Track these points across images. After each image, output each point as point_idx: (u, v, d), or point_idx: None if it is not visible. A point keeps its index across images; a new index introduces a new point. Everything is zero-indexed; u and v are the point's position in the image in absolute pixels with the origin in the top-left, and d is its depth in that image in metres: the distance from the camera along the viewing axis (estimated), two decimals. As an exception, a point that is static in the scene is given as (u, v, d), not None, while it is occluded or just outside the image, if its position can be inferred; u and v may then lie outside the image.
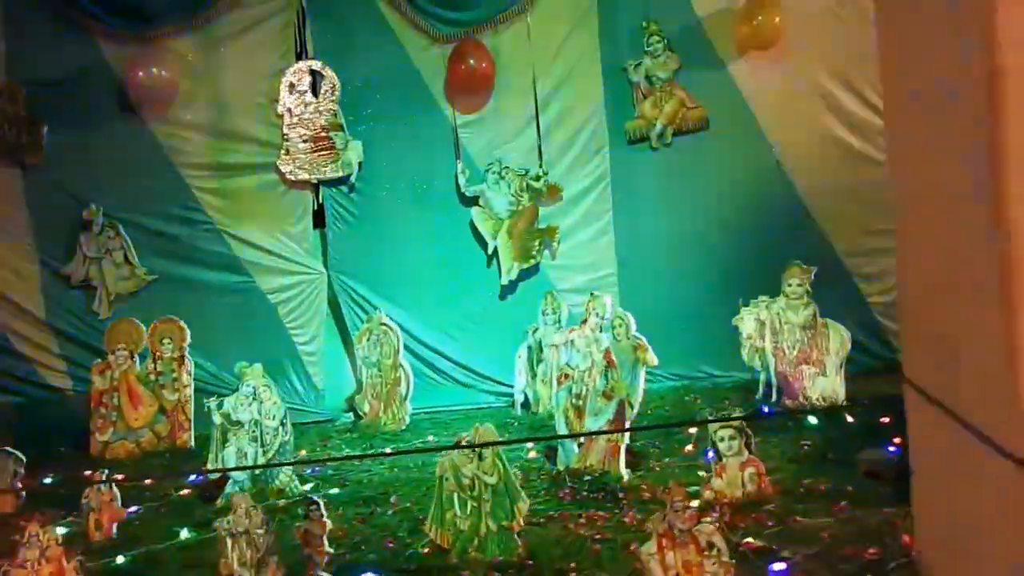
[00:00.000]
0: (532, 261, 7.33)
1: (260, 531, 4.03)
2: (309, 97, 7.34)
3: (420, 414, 7.11)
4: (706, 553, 3.50)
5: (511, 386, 7.06)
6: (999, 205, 1.28)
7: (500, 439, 4.31)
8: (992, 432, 1.37)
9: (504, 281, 7.36)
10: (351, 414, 7.33)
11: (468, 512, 4.09)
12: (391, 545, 4.44)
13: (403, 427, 6.85)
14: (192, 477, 5.97)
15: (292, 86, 7.31)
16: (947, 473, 1.57)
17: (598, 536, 4.26)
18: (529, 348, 6.95)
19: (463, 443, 4.11)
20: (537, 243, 7.31)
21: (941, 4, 1.44)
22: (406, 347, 7.30)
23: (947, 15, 1.44)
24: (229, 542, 4.03)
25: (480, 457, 4.05)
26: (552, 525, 4.44)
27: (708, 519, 4.04)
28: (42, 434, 7.05)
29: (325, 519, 3.99)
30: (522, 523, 4.08)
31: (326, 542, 3.99)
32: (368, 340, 7.11)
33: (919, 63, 1.56)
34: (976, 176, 1.36)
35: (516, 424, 6.67)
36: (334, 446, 6.68)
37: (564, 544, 4.19)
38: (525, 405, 6.90)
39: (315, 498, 4.21)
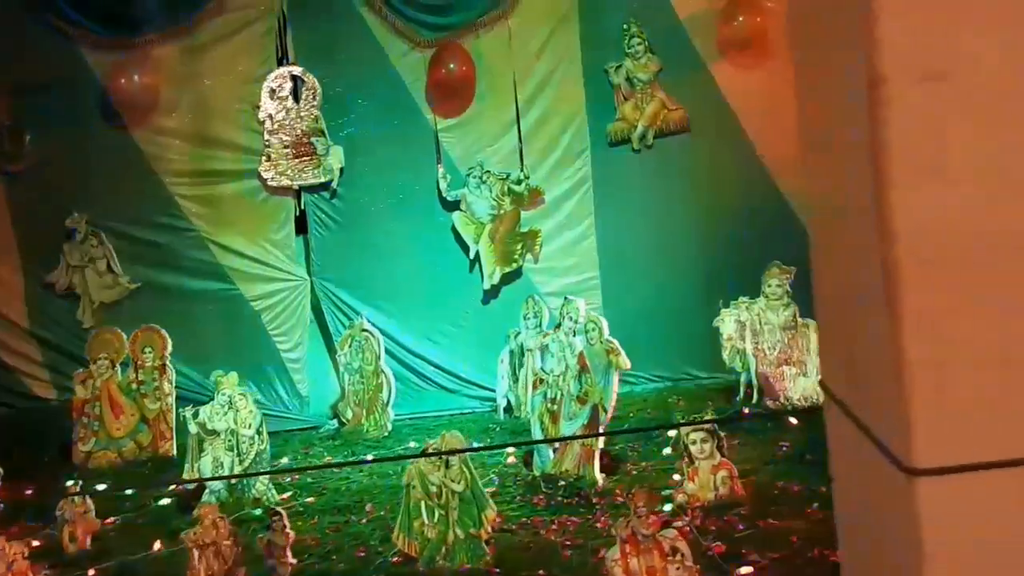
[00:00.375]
0: (514, 265, 7.30)
1: (227, 542, 4.01)
2: (290, 103, 7.33)
3: (404, 420, 7.08)
4: (670, 558, 3.47)
5: (495, 391, 7.04)
6: (883, 214, 1.26)
7: (467, 446, 4.27)
8: (887, 440, 1.35)
9: (486, 285, 7.34)
10: (335, 421, 7.31)
11: (436, 520, 4.07)
12: (362, 554, 4.43)
13: (385, 434, 6.82)
14: (172, 487, 5.96)
15: (273, 92, 7.30)
16: (857, 481, 1.55)
17: (568, 542, 4.24)
18: (511, 353, 6.92)
19: (431, 450, 4.09)
20: (519, 247, 7.29)
21: (837, 11, 1.43)
22: (390, 353, 7.29)
23: (842, 23, 1.43)
24: (196, 553, 4.01)
25: (447, 464, 4.03)
26: (523, 531, 4.42)
27: (679, 523, 4.03)
28: (26, 444, 7.05)
29: (288, 530, 3.97)
30: (489, 530, 4.05)
31: (289, 553, 3.98)
32: (350, 346, 7.09)
33: (823, 69, 1.54)
34: (864, 184, 1.34)
35: (499, 429, 6.65)
36: (316, 454, 6.66)
37: (533, 550, 4.17)
38: (508, 410, 6.87)
39: (278, 509, 4.19)
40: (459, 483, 4.05)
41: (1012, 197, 1.25)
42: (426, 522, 4.07)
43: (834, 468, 1.79)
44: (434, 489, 4.08)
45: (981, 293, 1.26)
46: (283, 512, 4.07)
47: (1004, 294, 1.26)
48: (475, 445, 6.36)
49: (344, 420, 7.15)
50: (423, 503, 4.10)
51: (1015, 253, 1.25)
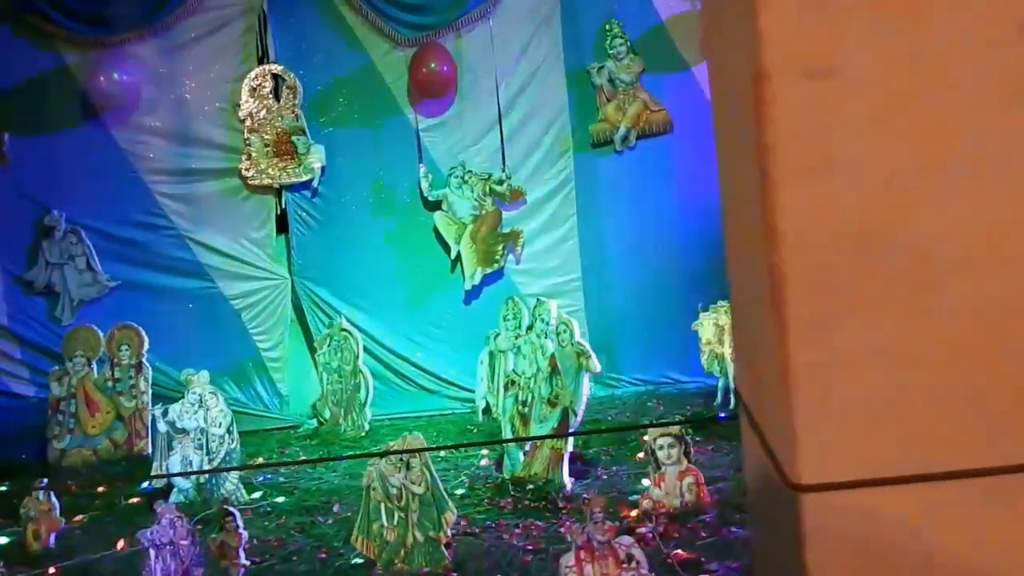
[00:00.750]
0: (496, 266, 7.26)
1: (185, 542, 3.97)
2: (271, 101, 7.29)
3: (383, 420, 7.05)
4: (625, 566, 3.42)
5: (475, 392, 6.99)
6: (768, 216, 1.21)
7: (429, 446, 4.22)
8: (777, 453, 1.30)
9: (468, 286, 7.30)
10: (315, 420, 7.27)
11: (395, 523, 4.02)
12: (323, 556, 4.38)
13: (363, 434, 6.78)
14: (145, 485, 5.93)
15: (254, 90, 7.26)
16: (760, 493, 1.49)
17: (531, 547, 4.19)
18: (491, 354, 6.86)
19: (390, 451, 4.04)
20: (500, 248, 7.25)
21: (731, 6, 1.38)
22: (371, 353, 7.26)
23: (733, 18, 1.38)
24: (153, 553, 3.96)
25: (408, 466, 3.98)
26: (487, 535, 4.37)
27: (643, 529, 3.98)
28: (4, 441, 7.04)
29: (241, 531, 3.93)
30: (449, 534, 4.00)
31: (242, 554, 3.93)
32: (329, 346, 7.06)
33: (724, 67, 1.49)
34: (755, 185, 1.29)
35: (476, 431, 6.60)
36: (292, 453, 6.62)
37: (495, 555, 4.12)
38: (487, 411, 6.81)
39: (231, 509, 4.15)
40: (420, 485, 4.00)
41: (900, 197, 1.20)
42: (385, 524, 4.02)
43: (748, 483, 1.74)
44: (394, 491, 4.03)
45: (870, 297, 1.21)
46: (236, 512, 4.03)
47: (894, 298, 1.21)
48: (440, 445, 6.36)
49: (323, 420, 7.11)
50: (383, 505, 4.05)
51: (905, 255, 1.20)
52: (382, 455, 4.01)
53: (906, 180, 1.19)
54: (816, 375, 1.20)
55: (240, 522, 3.95)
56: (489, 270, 7.28)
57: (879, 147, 1.19)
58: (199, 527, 4.59)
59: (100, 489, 6.05)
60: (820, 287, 1.20)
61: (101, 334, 6.88)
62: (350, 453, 6.45)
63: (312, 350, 7.50)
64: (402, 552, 4.01)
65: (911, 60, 1.18)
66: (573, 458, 5.10)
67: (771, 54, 1.17)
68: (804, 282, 1.20)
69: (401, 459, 3.98)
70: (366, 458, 4.43)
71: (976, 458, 1.18)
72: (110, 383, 6.81)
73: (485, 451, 5.89)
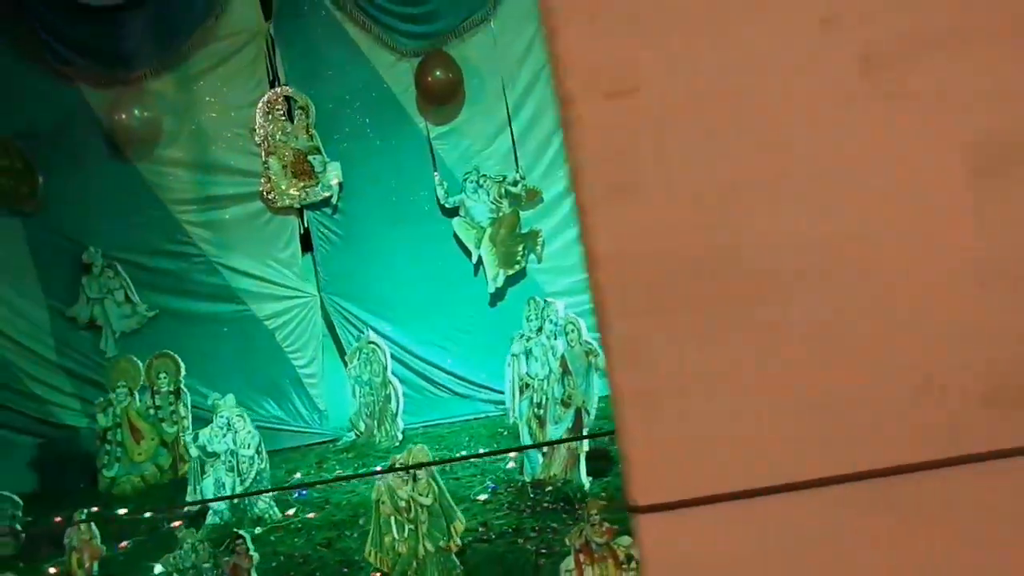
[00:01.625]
0: (517, 267, 7.26)
1: (207, 565, 4.09)
2: (285, 123, 7.42)
3: (418, 429, 7.13)
4: (624, 567, 3.40)
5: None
6: (584, 239, 1.21)
7: (432, 459, 4.26)
8: (627, 475, 1.29)
9: (491, 289, 7.32)
10: (353, 433, 7.39)
11: (405, 535, 4.07)
12: (346, 571, 4.46)
13: (397, 444, 6.86)
14: (186, 508, 6.12)
15: (267, 113, 7.41)
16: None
17: (544, 550, 4.19)
18: (515, 356, 6.87)
19: (398, 466, 4.09)
20: (521, 248, 7.25)
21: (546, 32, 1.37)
22: (403, 363, 7.35)
23: (546, 44, 1.36)
24: (176, 578, 4.10)
25: (415, 479, 4.03)
26: (501, 540, 4.38)
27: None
28: (60, 472, 7.35)
29: (252, 553, 4.03)
30: (459, 543, 4.04)
31: (255, 574, 4.03)
32: (358, 359, 7.16)
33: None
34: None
35: (506, 434, 6.62)
36: (329, 467, 6.75)
37: (508, 561, 4.13)
38: (516, 413, 6.83)
39: (240, 532, 4.25)
40: (427, 496, 4.04)
41: (711, 216, 1.17)
42: (396, 537, 4.08)
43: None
44: (403, 504, 4.08)
45: (702, 319, 1.18)
46: (245, 535, 4.13)
47: (729, 319, 1.18)
48: (481, 451, 6.41)
49: (359, 432, 7.23)
50: (393, 518, 4.10)
51: (738, 273, 1.17)
52: (390, 471, 4.06)
53: (730, 193, 1.16)
54: (642, 400, 1.18)
55: (250, 544, 4.06)
56: (511, 271, 7.29)
57: (696, 162, 1.16)
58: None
59: (147, 514, 6.28)
60: (642, 311, 1.18)
61: (140, 364, 7.12)
62: (384, 464, 6.54)
63: (346, 363, 7.63)
64: (414, 564, 4.06)
65: (719, 69, 1.15)
66: (593, 456, 5.08)
67: (571, 75, 1.15)
68: (624, 305, 1.18)
69: (408, 471, 4.03)
70: (370, 476, 4.47)
71: (817, 468, 1.15)
72: (152, 411, 7.04)
73: (513, 453, 5.91)
